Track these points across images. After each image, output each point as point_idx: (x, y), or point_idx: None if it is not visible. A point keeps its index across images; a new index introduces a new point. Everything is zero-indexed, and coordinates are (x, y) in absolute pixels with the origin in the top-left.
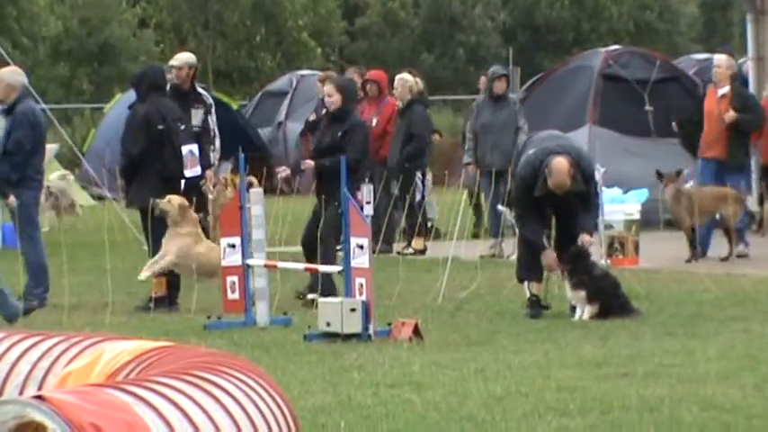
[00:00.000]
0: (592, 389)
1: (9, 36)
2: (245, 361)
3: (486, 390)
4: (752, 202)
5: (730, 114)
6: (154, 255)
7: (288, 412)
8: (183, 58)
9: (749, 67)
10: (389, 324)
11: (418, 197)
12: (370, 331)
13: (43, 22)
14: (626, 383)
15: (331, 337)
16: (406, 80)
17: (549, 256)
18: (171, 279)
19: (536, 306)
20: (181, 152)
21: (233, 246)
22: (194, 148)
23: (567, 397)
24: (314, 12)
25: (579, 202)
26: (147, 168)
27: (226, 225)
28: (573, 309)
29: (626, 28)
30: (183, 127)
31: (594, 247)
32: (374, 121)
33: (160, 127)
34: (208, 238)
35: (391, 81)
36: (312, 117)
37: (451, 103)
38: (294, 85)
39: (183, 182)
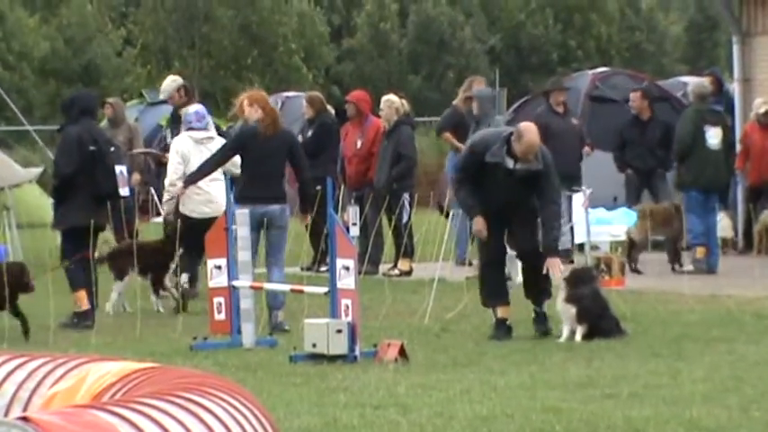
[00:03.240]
0: (577, 410)
1: None
2: (230, 382)
3: (471, 411)
4: (733, 226)
5: None
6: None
7: None
8: (167, 86)
9: (735, 89)
10: (375, 345)
11: (405, 218)
12: (356, 352)
13: (32, 43)
14: (611, 405)
15: (317, 358)
16: (393, 101)
17: (479, 222)
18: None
19: (502, 329)
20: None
21: (219, 267)
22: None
23: (553, 418)
24: (303, 35)
25: (536, 192)
26: (78, 189)
27: (212, 246)
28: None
29: (615, 48)
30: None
31: (558, 269)
32: (359, 143)
33: (92, 148)
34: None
35: (378, 102)
36: (299, 138)
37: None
38: (279, 106)
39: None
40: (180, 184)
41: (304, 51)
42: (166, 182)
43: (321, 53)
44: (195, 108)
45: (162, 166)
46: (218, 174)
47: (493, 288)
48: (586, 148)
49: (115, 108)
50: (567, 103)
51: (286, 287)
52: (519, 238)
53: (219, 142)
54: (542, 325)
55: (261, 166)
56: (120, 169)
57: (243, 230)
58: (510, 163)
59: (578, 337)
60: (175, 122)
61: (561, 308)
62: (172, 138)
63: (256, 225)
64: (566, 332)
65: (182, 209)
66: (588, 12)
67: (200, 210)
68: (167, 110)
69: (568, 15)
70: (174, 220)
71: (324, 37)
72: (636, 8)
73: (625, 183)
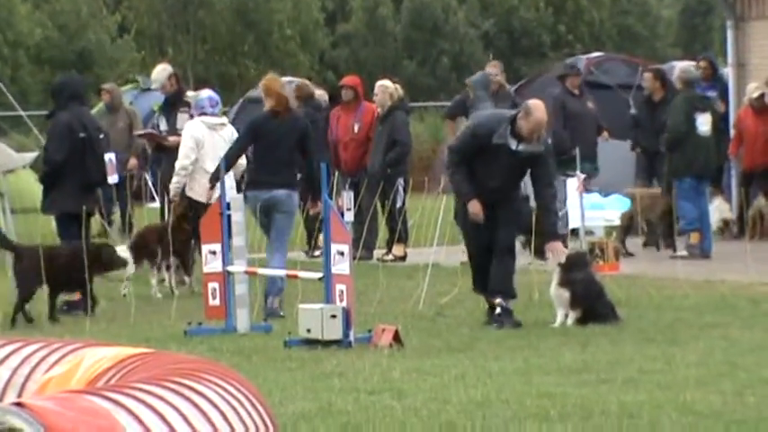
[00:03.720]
0: (572, 395)
1: None
2: (225, 367)
3: (466, 396)
4: (731, 209)
5: None
6: None
7: (268, 418)
8: (158, 75)
9: (729, 74)
10: (370, 330)
11: (399, 203)
12: (351, 338)
13: (27, 31)
14: (606, 389)
15: (311, 343)
16: (387, 87)
17: (475, 205)
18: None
19: (497, 313)
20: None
21: (213, 252)
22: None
23: (548, 403)
24: (298, 21)
25: (532, 175)
26: (67, 176)
27: (206, 232)
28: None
29: (607, 33)
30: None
31: (562, 252)
32: (356, 128)
33: (82, 135)
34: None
35: (372, 88)
36: None
37: (434, 110)
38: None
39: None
40: (191, 167)
41: (299, 37)
42: (177, 165)
43: (316, 39)
44: (208, 94)
45: (162, 150)
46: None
47: (483, 275)
48: (604, 134)
49: (112, 94)
50: (582, 87)
51: (281, 272)
52: (501, 231)
53: (231, 129)
54: (510, 318)
55: (271, 152)
56: (110, 157)
57: (238, 215)
58: (513, 144)
59: (570, 321)
60: (168, 109)
61: (555, 292)
62: (168, 124)
63: (264, 210)
64: (560, 317)
65: (188, 193)
66: None
67: (209, 194)
68: (160, 96)
69: (560, 0)
70: (181, 203)
71: (319, 22)
72: None
73: (636, 162)
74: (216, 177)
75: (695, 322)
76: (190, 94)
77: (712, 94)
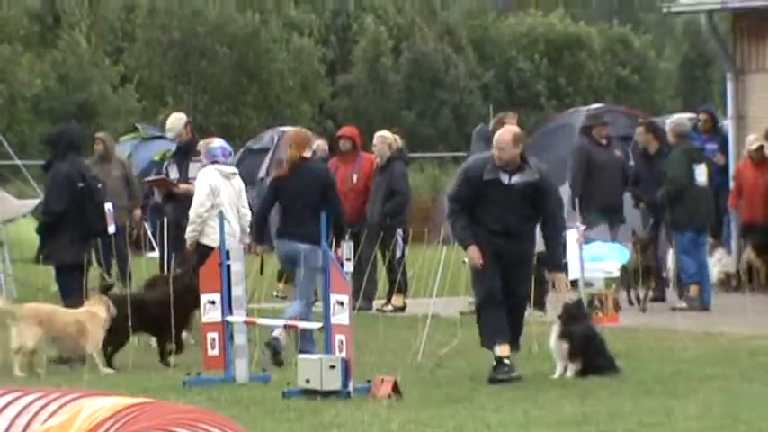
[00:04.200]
0: None
1: None
2: (224, 418)
3: None
4: (731, 263)
5: None
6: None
7: None
8: (174, 124)
9: (729, 126)
10: (369, 381)
11: (398, 254)
12: (350, 388)
13: (27, 84)
14: None
15: (310, 393)
16: (386, 137)
17: (475, 251)
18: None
19: (502, 368)
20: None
21: (212, 302)
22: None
23: None
24: (299, 71)
25: (537, 207)
26: (67, 226)
27: (206, 281)
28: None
29: (605, 85)
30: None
31: (565, 285)
32: (354, 178)
33: (81, 185)
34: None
35: (371, 138)
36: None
37: (433, 161)
38: (276, 141)
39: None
40: (206, 215)
41: (300, 87)
42: (192, 213)
43: (317, 89)
44: (220, 143)
45: (172, 197)
46: (233, 209)
47: (492, 327)
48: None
49: (106, 143)
50: (609, 136)
51: (280, 322)
52: (513, 279)
53: (240, 180)
54: (513, 371)
55: (293, 203)
56: (108, 206)
57: (237, 265)
58: (505, 178)
59: (569, 373)
60: (180, 157)
61: (555, 344)
62: (180, 171)
63: (290, 260)
64: (559, 369)
65: (204, 240)
66: (576, 50)
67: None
68: (162, 145)
69: (558, 53)
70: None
71: (320, 73)
72: (626, 45)
73: (641, 218)
74: (257, 238)
75: (695, 374)
76: (201, 142)
77: (712, 146)
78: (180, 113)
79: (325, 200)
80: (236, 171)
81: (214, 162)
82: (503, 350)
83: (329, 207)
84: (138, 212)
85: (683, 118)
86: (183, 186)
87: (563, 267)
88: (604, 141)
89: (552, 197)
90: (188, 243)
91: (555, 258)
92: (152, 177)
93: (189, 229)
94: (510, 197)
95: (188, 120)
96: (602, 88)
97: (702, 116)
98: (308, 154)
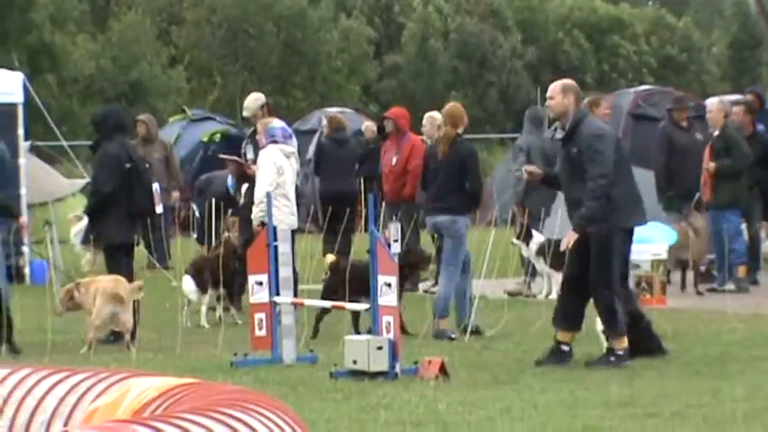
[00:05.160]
0: (618, 429)
1: (43, 83)
2: (271, 398)
3: (511, 429)
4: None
5: (711, 165)
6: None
7: None
8: (251, 104)
9: None
10: (416, 362)
11: None
12: (397, 369)
13: (81, 66)
14: (653, 424)
15: (358, 375)
16: (435, 118)
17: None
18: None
19: (556, 353)
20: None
21: (260, 283)
22: (157, 186)
23: None
24: (347, 52)
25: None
26: (115, 205)
27: (253, 262)
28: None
29: (648, 67)
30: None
31: (566, 244)
32: (394, 159)
33: (128, 165)
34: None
35: (419, 119)
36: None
37: (481, 142)
38: (321, 122)
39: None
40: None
41: (347, 68)
42: (258, 192)
43: (364, 70)
44: (281, 124)
45: (245, 178)
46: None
47: (563, 310)
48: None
49: (148, 125)
50: (690, 119)
51: (327, 303)
52: (591, 266)
53: (297, 160)
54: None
55: (443, 177)
56: (155, 187)
57: (285, 246)
58: (560, 134)
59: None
60: (256, 138)
61: (600, 328)
62: (254, 152)
63: (436, 233)
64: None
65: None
66: (617, 32)
67: (289, 220)
68: (209, 126)
69: (601, 37)
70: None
71: (368, 54)
72: (668, 26)
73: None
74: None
75: (743, 356)
76: (260, 122)
77: (760, 126)
78: (258, 94)
79: (465, 174)
80: (294, 151)
81: (272, 141)
82: (562, 336)
83: (469, 181)
84: (176, 194)
85: (725, 99)
86: (255, 167)
87: (579, 229)
88: (685, 123)
89: (597, 162)
90: (255, 223)
91: (576, 218)
92: (226, 156)
93: (256, 209)
94: (569, 161)
95: (267, 101)
96: (645, 70)
97: (750, 96)
98: (460, 130)
